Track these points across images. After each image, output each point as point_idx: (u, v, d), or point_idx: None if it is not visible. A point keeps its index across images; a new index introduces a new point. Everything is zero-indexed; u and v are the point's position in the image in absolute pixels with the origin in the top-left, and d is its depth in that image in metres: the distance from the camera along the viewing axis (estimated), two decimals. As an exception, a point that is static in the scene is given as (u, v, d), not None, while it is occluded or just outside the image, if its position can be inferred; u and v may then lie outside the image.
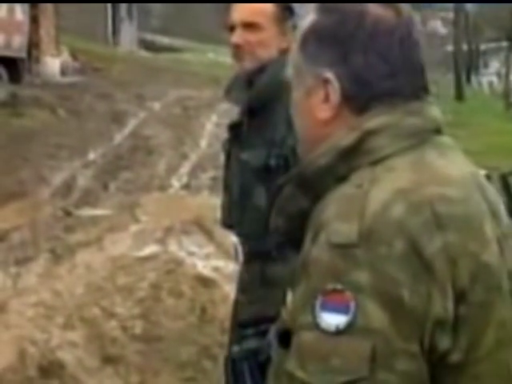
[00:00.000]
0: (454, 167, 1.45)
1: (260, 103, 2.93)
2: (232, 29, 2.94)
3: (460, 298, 1.34)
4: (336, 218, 1.35)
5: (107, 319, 5.57)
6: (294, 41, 1.57)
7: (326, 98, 1.48)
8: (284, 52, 2.94)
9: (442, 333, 1.33)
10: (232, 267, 6.48)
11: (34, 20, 19.82)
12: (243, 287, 3.06)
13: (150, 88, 19.50)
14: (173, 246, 7.05)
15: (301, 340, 1.34)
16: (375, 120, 1.44)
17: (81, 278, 6.32)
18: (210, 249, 7.09)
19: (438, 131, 1.49)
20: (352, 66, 1.46)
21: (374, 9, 1.48)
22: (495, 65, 44.70)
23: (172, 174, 11.57)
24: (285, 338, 1.40)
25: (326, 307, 1.32)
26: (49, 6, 21.73)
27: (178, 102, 18.44)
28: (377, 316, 1.30)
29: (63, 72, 21.50)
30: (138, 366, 4.98)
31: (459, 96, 27.05)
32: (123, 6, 34.66)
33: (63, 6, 23.58)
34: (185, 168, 11.95)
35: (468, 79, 39.10)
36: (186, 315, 5.68)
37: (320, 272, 1.34)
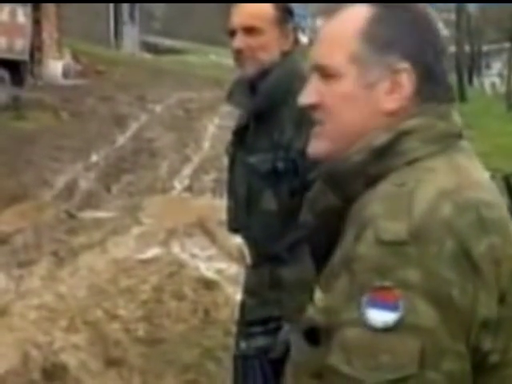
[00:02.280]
0: (481, 171, 1.48)
1: (266, 107, 2.93)
2: (233, 33, 2.93)
3: (501, 299, 1.36)
4: (383, 216, 1.35)
5: (110, 322, 5.57)
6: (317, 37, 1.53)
7: (394, 89, 1.45)
8: (286, 54, 2.94)
9: (486, 334, 1.34)
10: (235, 269, 6.48)
11: (37, 23, 19.84)
12: (251, 290, 3.06)
13: (152, 90, 19.51)
14: (175, 249, 7.05)
15: (346, 336, 1.34)
16: (411, 121, 1.45)
17: (84, 280, 6.32)
18: (212, 251, 7.09)
19: (460, 136, 1.51)
20: (427, 59, 1.47)
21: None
22: (497, 66, 44.70)
23: (174, 176, 11.57)
24: (313, 336, 1.40)
25: (374, 304, 1.32)
26: (51, 9, 21.74)
27: (180, 104, 18.44)
28: (427, 314, 1.30)
29: (65, 75, 21.51)
30: (140, 369, 4.97)
31: (461, 97, 27.02)
32: (125, 9, 34.68)
33: (65, 9, 23.59)
34: (187, 170, 11.94)
35: (470, 81, 39.09)
36: (189, 317, 5.67)
37: (368, 269, 1.33)
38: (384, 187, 1.40)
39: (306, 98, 1.51)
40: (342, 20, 1.49)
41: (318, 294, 1.44)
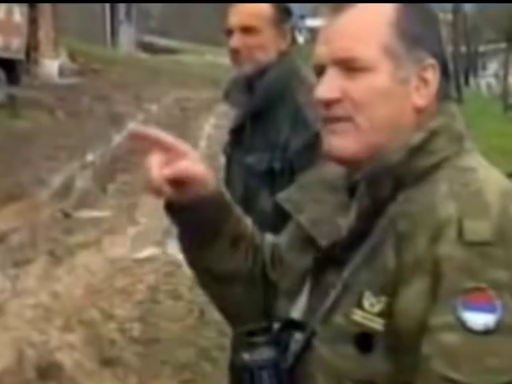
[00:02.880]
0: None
1: (263, 107, 2.93)
2: (230, 33, 2.93)
3: None
4: (464, 216, 1.33)
5: (106, 321, 5.56)
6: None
7: (422, 86, 1.44)
8: (283, 54, 2.94)
9: None
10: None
11: (33, 22, 19.81)
12: None
13: (148, 90, 19.50)
14: (171, 248, 7.05)
15: (446, 341, 1.31)
16: (437, 120, 1.44)
17: (79, 279, 6.32)
18: (208, 251, 7.08)
19: (466, 135, 1.50)
20: (444, 56, 1.47)
21: None
22: (493, 66, 44.75)
23: (170, 175, 11.54)
24: (363, 342, 1.38)
25: (470, 306, 1.30)
26: (47, 8, 21.71)
27: (176, 103, 18.44)
28: None
29: (61, 74, 21.49)
30: (136, 369, 4.97)
31: (457, 98, 27.06)
32: (122, 8, 34.66)
33: (62, 8, 23.57)
34: (183, 170, 11.92)
35: (466, 81, 39.13)
36: (185, 317, 5.67)
37: (457, 270, 1.31)
38: (447, 187, 1.38)
39: (327, 92, 1.43)
40: (369, 13, 1.44)
41: (370, 299, 1.39)
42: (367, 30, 1.42)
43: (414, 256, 1.35)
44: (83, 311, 5.66)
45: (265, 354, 1.50)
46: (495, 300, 1.29)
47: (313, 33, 48.23)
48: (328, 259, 1.49)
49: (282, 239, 1.70)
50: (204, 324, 5.57)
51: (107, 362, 5.02)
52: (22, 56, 17.96)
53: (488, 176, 1.40)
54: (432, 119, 1.44)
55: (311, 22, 44.79)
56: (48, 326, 5.42)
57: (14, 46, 17.53)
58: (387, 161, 1.42)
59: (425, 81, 1.43)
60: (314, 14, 45.12)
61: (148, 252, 6.88)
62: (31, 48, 19.63)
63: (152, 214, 8.41)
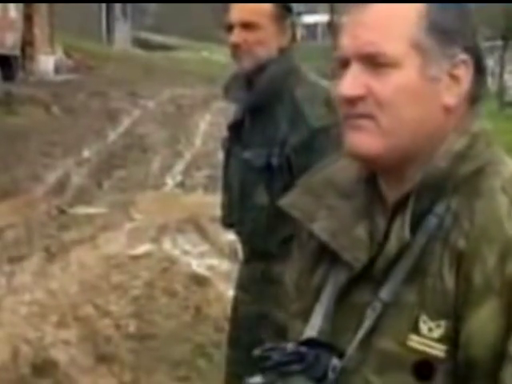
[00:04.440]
0: None
1: (261, 102, 2.94)
2: (230, 28, 2.94)
3: None
4: None
5: (101, 318, 5.56)
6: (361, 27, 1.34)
7: (453, 83, 1.33)
8: (283, 50, 2.95)
9: None
10: (226, 266, 6.48)
11: (28, 18, 19.80)
12: (244, 285, 3.07)
13: (144, 86, 19.49)
14: (167, 245, 7.05)
15: None
16: (477, 124, 1.36)
17: (75, 276, 6.31)
18: (204, 247, 7.08)
19: None
20: (479, 52, 1.36)
21: None
22: (489, 64, 44.76)
23: (166, 172, 11.55)
24: (422, 370, 1.29)
25: None
26: (43, 5, 21.70)
27: (172, 100, 18.43)
28: None
29: (57, 70, 21.48)
30: (131, 365, 4.97)
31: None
32: (118, 5, 34.63)
33: (57, 5, 23.54)
34: (179, 166, 11.93)
35: (462, 78, 39.13)
36: (180, 314, 5.67)
37: None
38: (507, 199, 1.29)
39: (350, 89, 1.32)
40: (396, 6, 1.33)
41: (428, 324, 1.30)
42: (395, 24, 1.32)
43: (484, 275, 1.26)
44: (79, 307, 5.66)
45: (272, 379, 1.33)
46: None
47: (309, 29, 48.26)
48: (359, 276, 1.36)
49: (291, 281, 1.53)
50: (200, 320, 5.57)
51: (102, 359, 5.01)
52: (17, 52, 17.96)
53: None
54: (471, 122, 1.35)
55: (308, 19, 44.83)
56: (43, 322, 5.41)
57: (10, 43, 17.51)
58: (433, 169, 1.32)
59: (456, 78, 1.33)
60: (311, 11, 45.15)
61: (144, 248, 6.87)
62: (27, 44, 19.63)
63: (148, 210, 8.41)
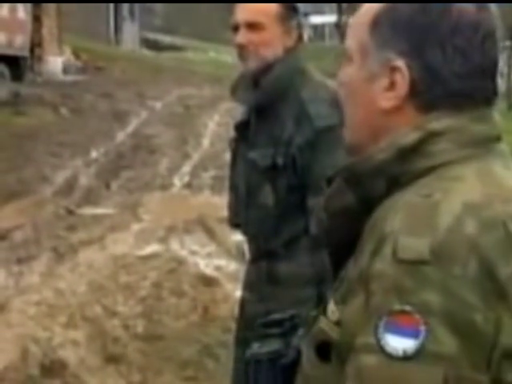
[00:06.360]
0: None
1: (267, 102, 2.95)
2: (236, 29, 2.95)
3: None
4: (404, 231, 1.24)
5: (109, 318, 5.57)
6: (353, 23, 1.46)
7: (391, 87, 1.36)
8: (289, 51, 2.95)
9: (509, 365, 1.21)
10: (234, 266, 6.48)
11: (37, 19, 19.84)
12: (250, 285, 3.08)
13: (151, 87, 19.51)
14: (175, 245, 7.05)
15: (362, 363, 1.23)
16: (441, 121, 1.34)
17: (83, 276, 6.32)
18: (211, 248, 7.09)
19: (498, 138, 1.41)
20: (427, 59, 1.34)
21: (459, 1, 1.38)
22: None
23: (174, 173, 11.56)
24: (323, 350, 1.32)
25: (392, 329, 1.20)
26: (51, 5, 21.74)
27: (179, 100, 18.44)
28: (447, 341, 1.19)
29: (65, 71, 21.52)
30: (139, 365, 4.98)
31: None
32: (125, 5, 34.67)
33: (66, 6, 23.58)
34: (187, 167, 11.94)
35: (470, 78, 39.07)
36: (188, 314, 5.68)
37: (385, 290, 1.22)
38: (408, 197, 1.28)
39: (339, 75, 1.46)
40: (363, 10, 1.43)
41: (332, 306, 1.34)
42: (356, 26, 1.43)
43: (359, 268, 1.29)
44: (87, 308, 5.67)
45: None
46: (420, 325, 1.19)
47: (316, 30, 48.20)
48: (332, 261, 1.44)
49: None
50: (207, 321, 5.58)
51: (111, 359, 5.02)
52: (26, 53, 17.98)
53: (463, 188, 1.28)
54: (427, 119, 1.34)
55: (315, 20, 44.78)
56: (52, 322, 5.42)
57: (18, 43, 17.54)
58: (372, 159, 1.35)
59: (393, 83, 1.36)
60: (318, 12, 45.11)
61: (151, 249, 6.88)
62: (35, 45, 19.66)
63: (155, 211, 8.42)
